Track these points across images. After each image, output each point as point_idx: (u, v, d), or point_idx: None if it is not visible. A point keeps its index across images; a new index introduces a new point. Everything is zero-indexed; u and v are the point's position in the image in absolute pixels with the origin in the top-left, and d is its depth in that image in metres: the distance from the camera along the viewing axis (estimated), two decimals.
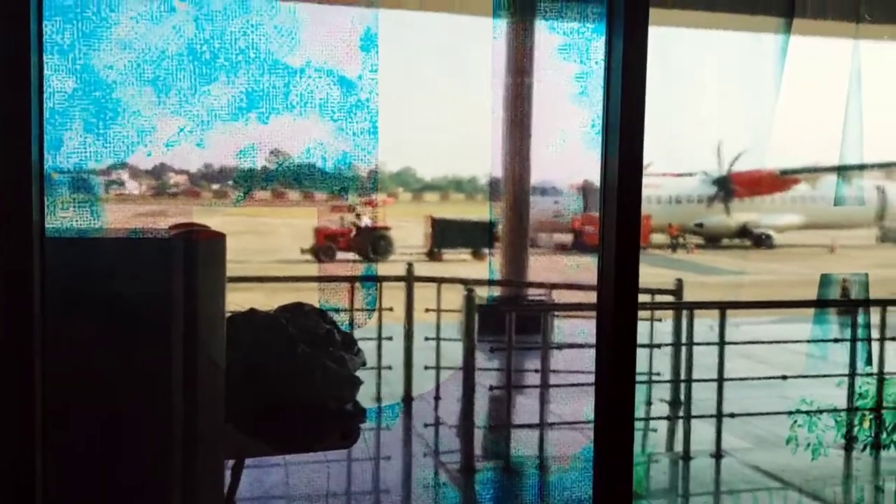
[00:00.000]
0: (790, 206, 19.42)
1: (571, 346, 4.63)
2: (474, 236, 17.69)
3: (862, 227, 18.28)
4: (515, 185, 6.34)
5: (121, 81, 1.75)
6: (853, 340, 4.63)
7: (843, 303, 5.21)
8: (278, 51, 1.82)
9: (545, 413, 4.58)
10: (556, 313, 5.09)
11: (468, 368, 4.65)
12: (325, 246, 16.71)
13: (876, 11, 3.22)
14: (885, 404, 3.04)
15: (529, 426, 4.66)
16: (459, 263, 16.56)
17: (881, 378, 3.90)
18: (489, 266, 6.82)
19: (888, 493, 3.07)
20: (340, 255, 16.29)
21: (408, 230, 17.66)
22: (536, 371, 4.79)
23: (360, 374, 2.77)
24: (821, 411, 4.44)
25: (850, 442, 3.18)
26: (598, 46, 1.99)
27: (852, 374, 4.45)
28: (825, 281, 5.41)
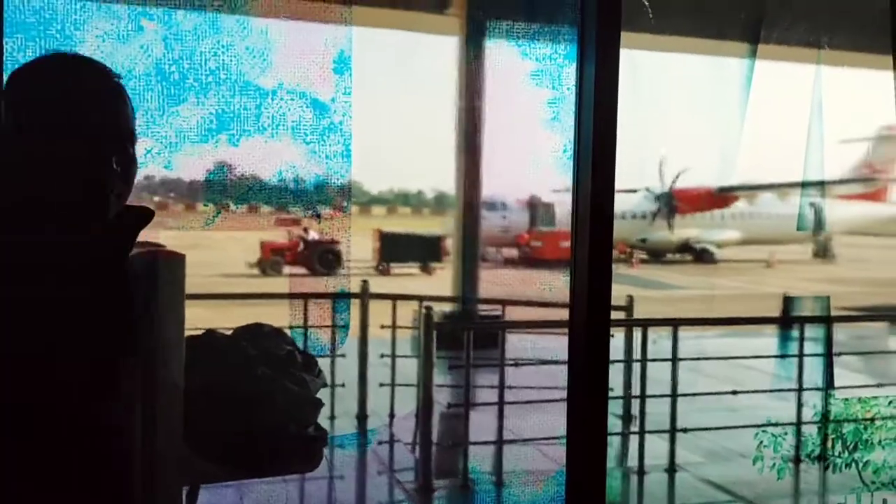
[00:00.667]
0: (729, 222, 19.95)
1: (545, 362, 4.63)
2: (423, 250, 17.68)
3: (797, 243, 18.86)
4: (471, 200, 6.35)
5: None
6: (800, 356, 4.75)
7: (790, 319, 5.34)
8: (250, 72, 1.78)
9: (503, 430, 4.57)
10: (513, 330, 5.10)
11: (426, 386, 4.61)
12: (271, 260, 16.48)
13: (836, 39, 3.34)
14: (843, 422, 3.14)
15: (487, 443, 4.65)
16: (408, 277, 16.52)
17: (826, 394, 4.01)
18: (461, 281, 6.79)
19: None
20: (288, 269, 16.09)
21: (355, 244, 17.54)
22: (493, 387, 4.79)
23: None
24: (769, 424, 4.53)
25: (815, 461, 3.27)
26: (570, 72, 2.00)
27: (800, 390, 4.57)
28: (788, 301, 5.54)
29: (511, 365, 4.60)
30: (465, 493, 4.63)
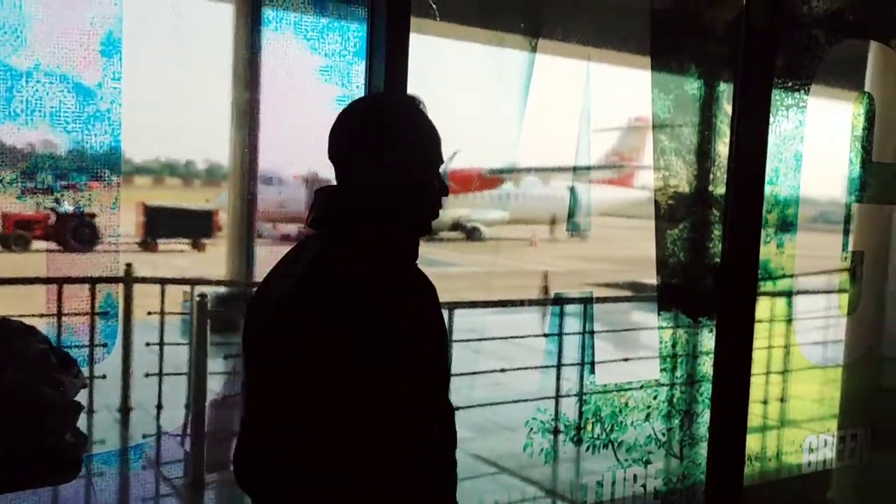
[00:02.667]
0: (498, 202, 21.07)
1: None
2: (193, 225, 16.77)
3: (557, 223, 20.36)
4: (244, 173, 6.09)
5: None
6: (560, 335, 5.12)
7: (554, 300, 5.73)
8: None
9: None
10: None
11: (198, 375, 4.40)
12: (14, 234, 14.82)
13: (605, 40, 3.61)
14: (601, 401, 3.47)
15: None
16: (177, 254, 15.66)
17: (582, 377, 4.37)
18: (239, 261, 6.49)
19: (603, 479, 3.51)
20: (38, 244, 14.60)
21: (115, 217, 16.24)
22: None
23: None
24: (528, 400, 4.84)
25: (576, 442, 3.56)
26: (360, 70, 1.97)
27: (559, 366, 4.95)
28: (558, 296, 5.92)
29: None
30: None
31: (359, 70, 1.99)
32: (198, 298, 4.36)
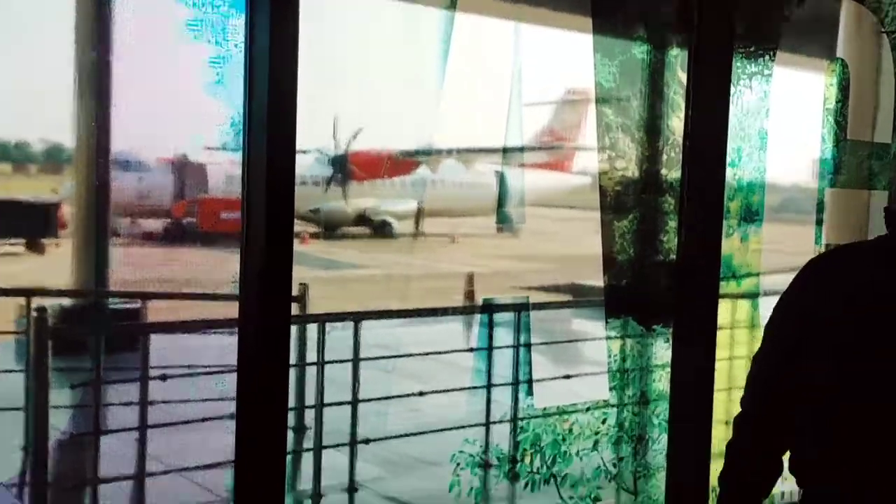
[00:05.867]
0: (411, 190, 20.96)
1: (218, 372, 4.40)
2: (30, 221, 16.13)
3: (483, 215, 20.43)
4: (93, 157, 5.88)
5: None
6: (489, 349, 5.13)
7: (481, 308, 5.75)
8: None
9: (146, 459, 4.35)
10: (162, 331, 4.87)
11: (39, 410, 4.22)
12: None
13: None
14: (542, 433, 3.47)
15: (123, 479, 4.40)
16: (9, 258, 15.04)
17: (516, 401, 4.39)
18: (87, 265, 6.28)
19: None
20: None
21: None
22: (133, 404, 4.52)
23: None
24: (453, 428, 4.83)
25: (511, 479, 3.56)
26: (238, 25, 1.90)
27: (489, 386, 4.96)
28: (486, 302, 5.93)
29: (159, 378, 4.39)
30: None
31: (237, 25, 1.92)
32: (35, 313, 4.17)
